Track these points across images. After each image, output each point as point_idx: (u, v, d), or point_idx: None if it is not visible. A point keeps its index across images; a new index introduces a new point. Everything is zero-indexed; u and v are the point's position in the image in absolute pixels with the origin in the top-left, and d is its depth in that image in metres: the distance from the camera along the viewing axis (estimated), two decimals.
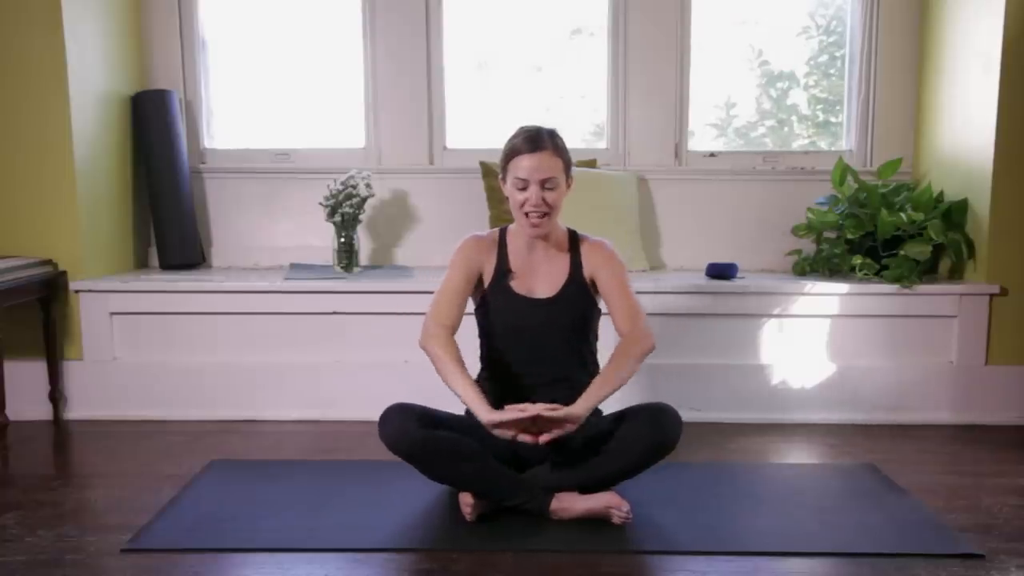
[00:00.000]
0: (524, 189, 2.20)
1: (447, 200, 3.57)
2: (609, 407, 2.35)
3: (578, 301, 2.31)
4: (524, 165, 2.19)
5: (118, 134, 3.38)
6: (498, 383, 2.33)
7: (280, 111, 3.69)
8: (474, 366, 2.40)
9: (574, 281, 2.30)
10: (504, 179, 2.28)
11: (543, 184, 2.19)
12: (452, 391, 2.17)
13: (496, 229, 2.39)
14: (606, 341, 2.38)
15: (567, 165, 2.26)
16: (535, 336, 2.28)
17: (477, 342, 2.40)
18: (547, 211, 2.21)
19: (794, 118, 3.75)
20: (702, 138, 3.69)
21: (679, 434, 2.17)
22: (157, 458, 2.71)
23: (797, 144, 3.72)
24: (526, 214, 2.22)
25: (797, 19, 3.67)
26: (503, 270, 2.31)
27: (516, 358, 2.30)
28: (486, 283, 2.32)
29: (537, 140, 2.20)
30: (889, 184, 3.35)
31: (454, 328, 2.26)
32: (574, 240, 2.35)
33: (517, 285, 2.30)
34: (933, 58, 3.44)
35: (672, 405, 2.21)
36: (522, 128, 2.26)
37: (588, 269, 2.32)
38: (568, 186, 2.28)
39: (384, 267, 3.53)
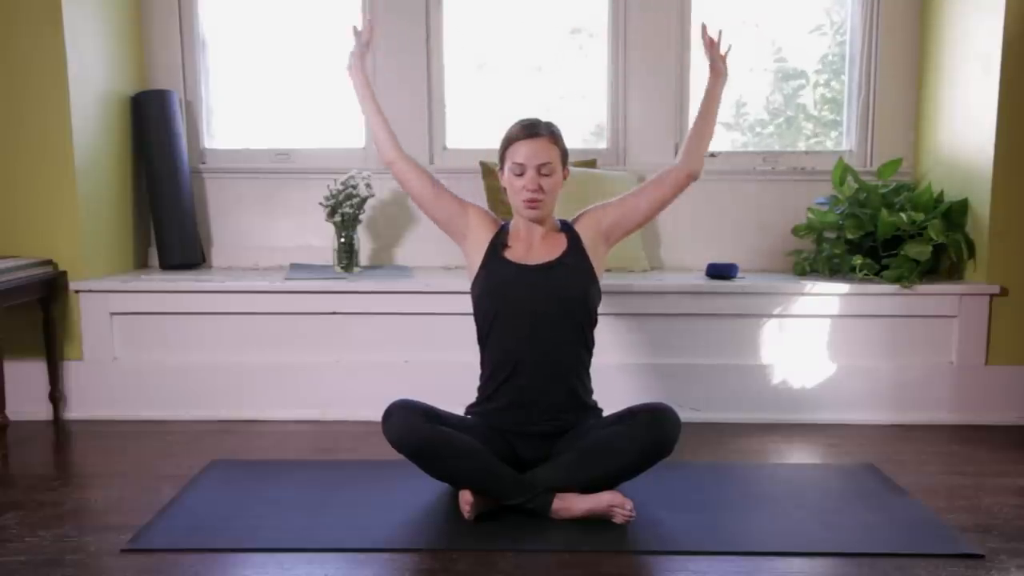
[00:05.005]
0: (521, 175, 2.26)
1: None
2: (610, 407, 2.35)
3: (577, 271, 2.31)
4: (521, 151, 2.25)
5: (118, 134, 3.38)
6: (496, 384, 2.32)
7: (280, 111, 3.69)
8: (474, 377, 2.41)
9: (573, 249, 2.32)
10: (502, 169, 2.33)
11: (539, 169, 2.24)
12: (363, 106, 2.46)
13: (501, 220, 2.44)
14: (602, 343, 2.38)
15: (563, 154, 2.32)
16: (533, 308, 2.26)
17: (476, 350, 2.40)
18: (543, 196, 2.26)
19: (801, 116, 3.74)
20: None
21: (677, 435, 2.18)
22: (157, 458, 2.71)
23: (805, 144, 3.71)
24: (523, 200, 2.26)
25: (812, 17, 3.64)
26: (500, 243, 2.33)
27: (514, 354, 2.28)
28: (480, 256, 2.33)
29: (533, 127, 2.28)
30: (889, 184, 3.35)
31: (412, 160, 2.45)
32: (567, 225, 2.39)
33: (511, 254, 2.32)
34: (933, 58, 3.44)
35: (672, 406, 2.22)
36: (519, 120, 2.32)
37: (587, 237, 2.35)
38: (564, 176, 2.33)
39: (384, 267, 3.52)
